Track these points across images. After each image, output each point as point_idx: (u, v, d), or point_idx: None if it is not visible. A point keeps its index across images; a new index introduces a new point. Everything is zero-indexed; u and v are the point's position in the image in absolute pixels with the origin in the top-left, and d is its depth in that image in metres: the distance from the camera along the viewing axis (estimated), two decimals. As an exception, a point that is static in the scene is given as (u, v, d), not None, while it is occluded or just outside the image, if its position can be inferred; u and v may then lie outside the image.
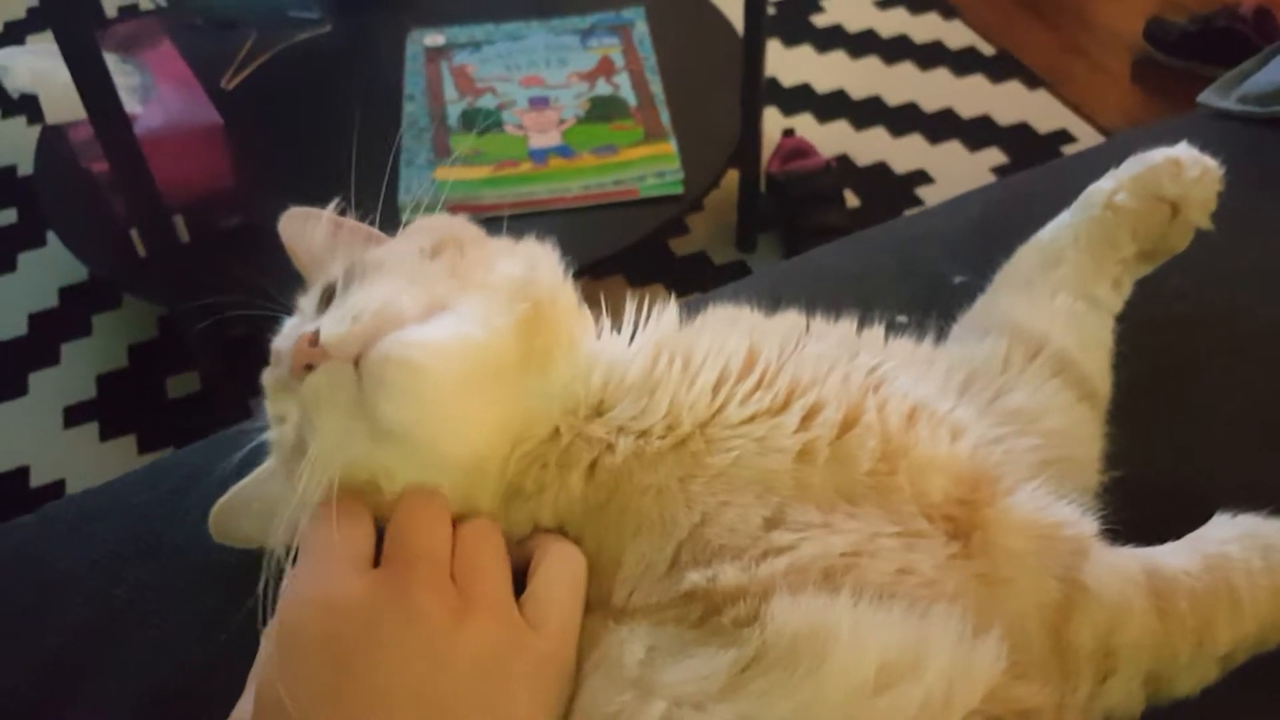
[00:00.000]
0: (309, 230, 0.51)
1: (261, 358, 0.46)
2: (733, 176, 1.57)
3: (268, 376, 0.46)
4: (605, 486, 0.43)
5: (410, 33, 1.67)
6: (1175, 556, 0.45)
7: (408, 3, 1.74)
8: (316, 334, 0.41)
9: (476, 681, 0.38)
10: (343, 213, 0.51)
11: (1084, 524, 0.45)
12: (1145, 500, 0.48)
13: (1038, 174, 0.75)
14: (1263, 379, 0.61)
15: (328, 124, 1.60)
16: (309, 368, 0.41)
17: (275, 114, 1.57)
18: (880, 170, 1.74)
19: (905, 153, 1.77)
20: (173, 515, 0.57)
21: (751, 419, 0.43)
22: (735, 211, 1.62)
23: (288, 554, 0.42)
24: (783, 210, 1.62)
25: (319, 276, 0.48)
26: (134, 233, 1.35)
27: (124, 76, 1.38)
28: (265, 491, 0.49)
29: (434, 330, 0.41)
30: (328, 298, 0.45)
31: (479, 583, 0.41)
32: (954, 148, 1.77)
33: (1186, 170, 0.57)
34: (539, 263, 0.48)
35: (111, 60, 1.35)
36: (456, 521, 0.43)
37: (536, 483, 0.44)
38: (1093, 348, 0.56)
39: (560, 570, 0.42)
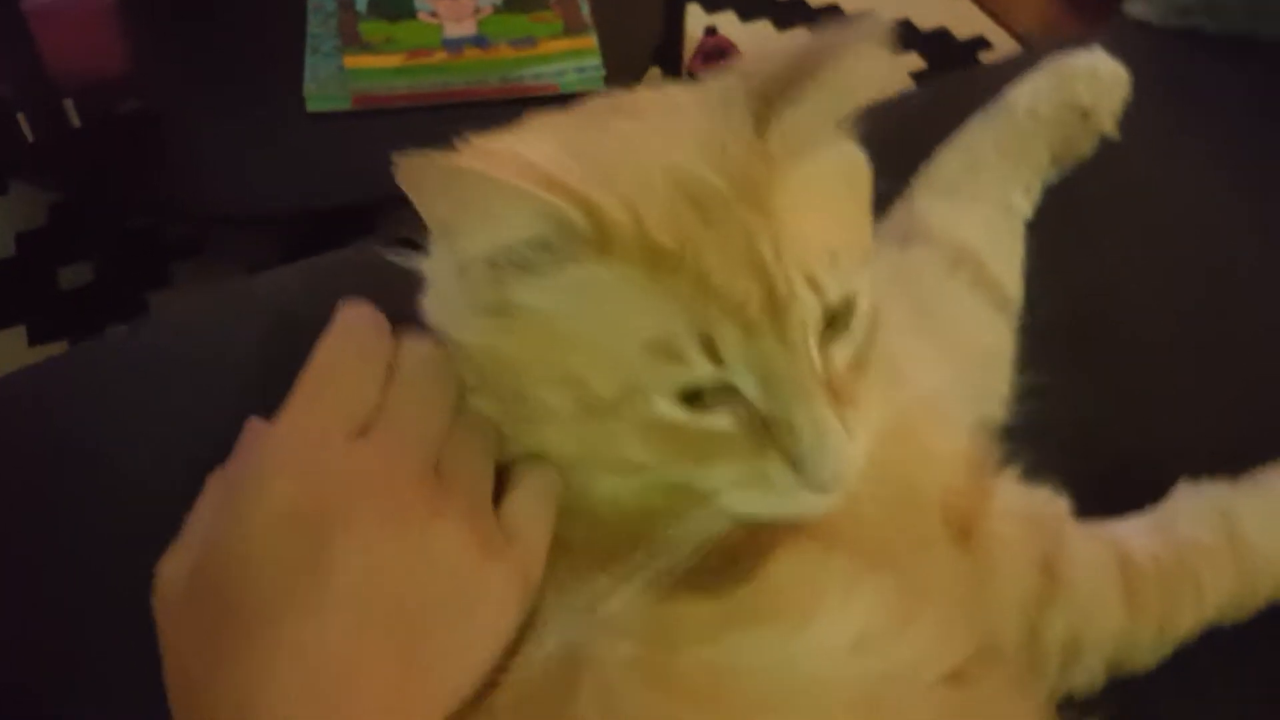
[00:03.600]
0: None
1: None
2: (654, 75, 1.54)
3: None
4: None
5: (317, -93, 1.57)
6: (1147, 541, 0.45)
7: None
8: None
9: (448, 588, 0.35)
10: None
11: (1059, 503, 0.45)
12: (1083, 441, 0.48)
13: (955, 81, 0.76)
14: (1185, 297, 0.60)
15: (229, 4, 1.54)
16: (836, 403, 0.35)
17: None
18: (801, 72, 1.73)
19: (826, 55, 1.75)
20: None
21: None
22: (655, 110, 1.59)
23: None
24: (703, 110, 1.60)
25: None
26: (21, 116, 1.26)
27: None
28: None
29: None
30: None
31: (462, 474, 0.37)
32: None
33: (1100, 78, 0.58)
34: None
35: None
36: None
37: None
38: (1006, 256, 0.57)
39: (538, 488, 0.39)
